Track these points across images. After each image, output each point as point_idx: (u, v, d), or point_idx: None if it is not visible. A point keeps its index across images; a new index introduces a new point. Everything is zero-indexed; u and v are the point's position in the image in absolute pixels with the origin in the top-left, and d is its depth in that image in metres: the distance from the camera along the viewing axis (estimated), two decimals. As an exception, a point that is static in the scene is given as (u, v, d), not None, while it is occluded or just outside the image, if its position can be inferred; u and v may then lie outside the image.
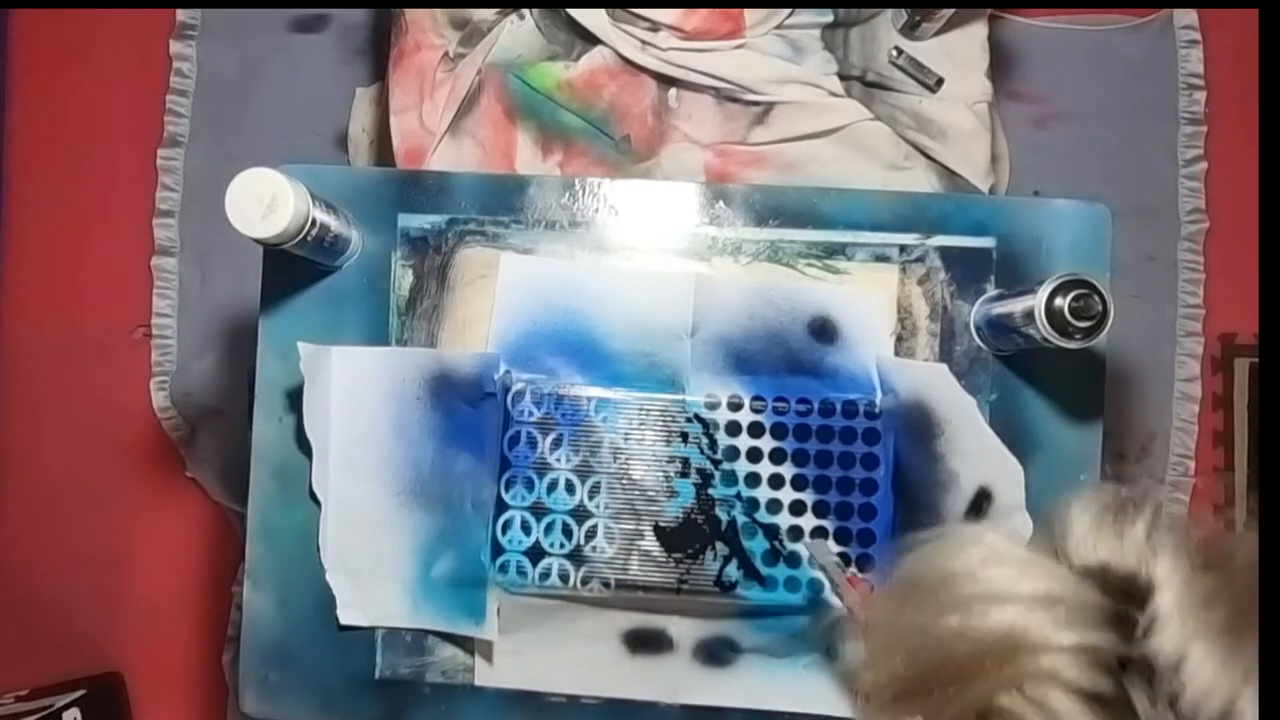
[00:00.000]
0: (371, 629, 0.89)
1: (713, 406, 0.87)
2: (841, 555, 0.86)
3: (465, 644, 0.90)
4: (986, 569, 0.39)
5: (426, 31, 1.11)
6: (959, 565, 0.40)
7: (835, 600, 0.82)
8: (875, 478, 0.87)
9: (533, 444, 0.88)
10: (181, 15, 1.67)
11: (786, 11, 1.08)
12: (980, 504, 0.84)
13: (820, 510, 0.86)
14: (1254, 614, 0.35)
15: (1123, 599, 0.37)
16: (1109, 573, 0.38)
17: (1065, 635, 0.36)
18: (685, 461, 0.87)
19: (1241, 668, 0.34)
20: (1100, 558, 0.38)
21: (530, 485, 0.88)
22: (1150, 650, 0.35)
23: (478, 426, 0.88)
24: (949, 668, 0.38)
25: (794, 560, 0.86)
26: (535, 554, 0.87)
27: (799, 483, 0.87)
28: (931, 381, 0.84)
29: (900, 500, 0.87)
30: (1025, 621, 0.36)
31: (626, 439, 0.87)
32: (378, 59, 1.58)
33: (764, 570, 0.86)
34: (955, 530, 0.43)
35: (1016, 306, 0.79)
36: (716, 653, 0.89)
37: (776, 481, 0.87)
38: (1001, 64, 1.39)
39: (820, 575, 0.84)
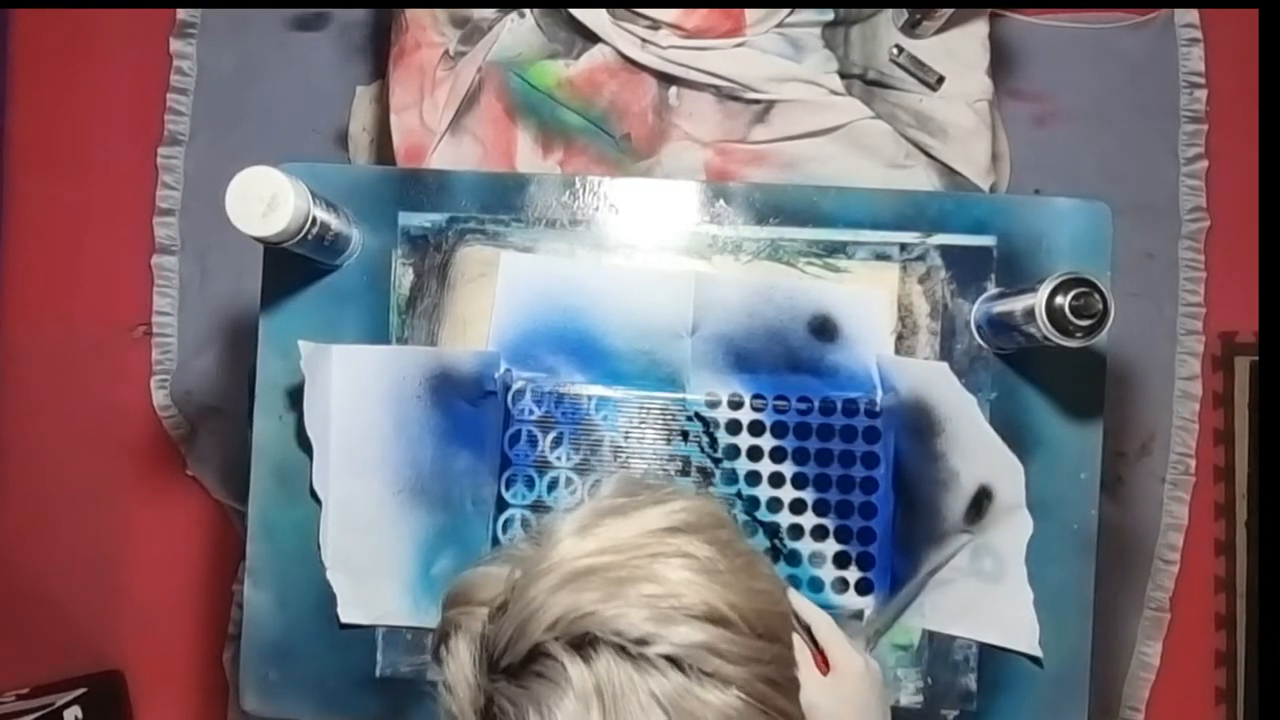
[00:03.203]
0: (372, 627, 0.89)
1: (713, 405, 0.87)
2: (840, 554, 0.86)
3: (466, 642, 0.90)
4: (525, 540, 0.53)
5: (427, 30, 1.11)
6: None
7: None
8: (875, 476, 0.87)
9: (533, 442, 0.88)
10: (181, 14, 1.67)
11: (787, 10, 1.08)
12: (980, 502, 0.84)
13: (820, 509, 0.86)
14: (573, 574, 0.47)
15: None
16: None
17: (485, 593, 0.51)
18: (686, 460, 0.87)
19: (528, 612, 0.46)
20: None
21: (531, 483, 0.88)
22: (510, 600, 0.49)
23: (478, 425, 0.88)
24: (443, 600, 0.55)
25: (794, 559, 0.86)
26: (536, 552, 0.87)
27: (799, 481, 0.87)
28: (932, 380, 0.84)
29: (900, 498, 0.87)
30: (475, 579, 0.52)
31: (627, 437, 0.87)
32: (378, 57, 1.58)
33: (764, 568, 0.86)
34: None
35: (1017, 305, 0.79)
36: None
37: (777, 480, 0.87)
38: (1002, 62, 1.39)
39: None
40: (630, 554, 0.48)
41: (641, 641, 0.45)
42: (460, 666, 0.50)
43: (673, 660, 0.45)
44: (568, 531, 0.50)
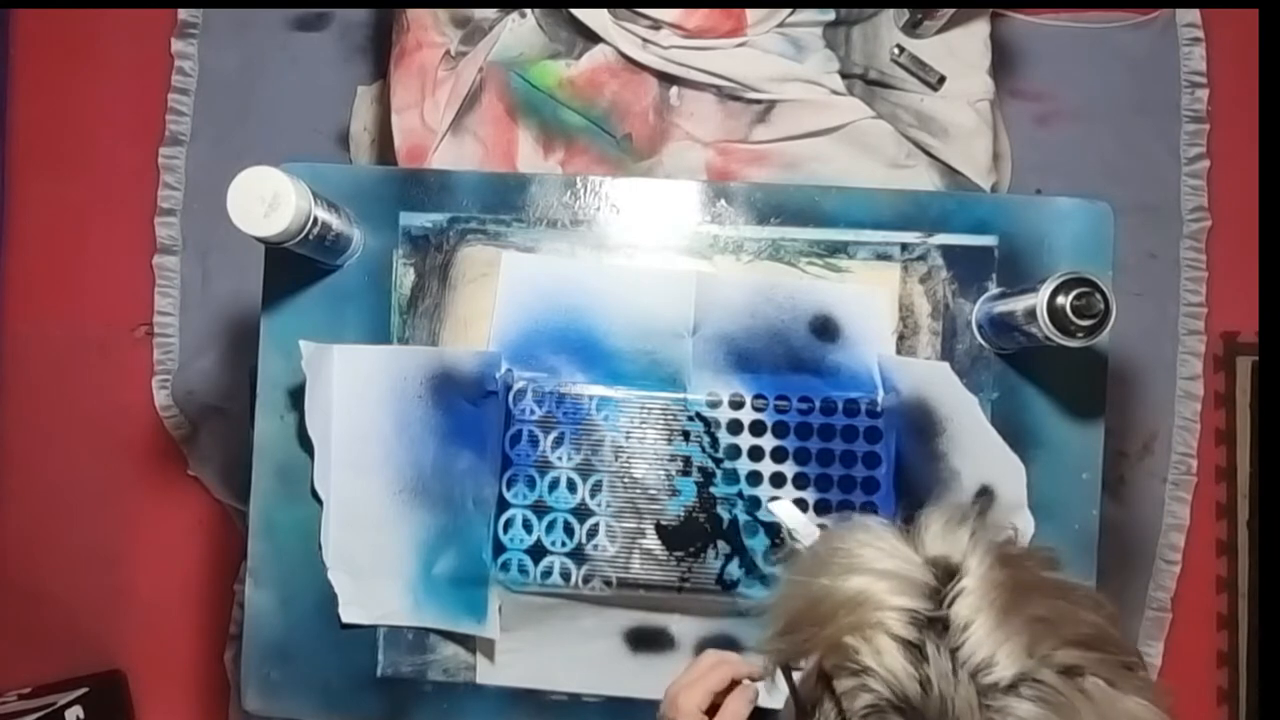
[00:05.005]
0: (373, 627, 0.89)
1: (714, 405, 0.87)
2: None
3: (467, 642, 0.90)
4: (860, 547, 0.53)
5: (428, 30, 1.11)
6: (842, 542, 0.54)
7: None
8: (877, 476, 0.86)
9: (534, 442, 0.88)
10: (183, 14, 1.67)
11: (788, 10, 1.08)
12: (982, 502, 0.83)
13: (822, 509, 0.86)
14: (1025, 602, 0.49)
15: (944, 578, 0.50)
16: (939, 560, 0.51)
17: (896, 599, 0.49)
18: (687, 460, 0.87)
19: (1004, 635, 0.48)
20: (937, 549, 0.52)
21: (532, 483, 0.88)
22: (951, 614, 0.49)
23: (479, 425, 0.88)
24: (815, 614, 0.52)
25: (795, 558, 0.86)
26: (537, 552, 0.87)
27: (801, 481, 0.87)
28: (933, 380, 0.84)
29: (902, 499, 0.86)
30: (872, 587, 0.50)
31: (628, 437, 0.87)
32: (379, 57, 1.57)
33: (766, 569, 0.86)
34: (855, 518, 0.56)
35: (1018, 305, 0.79)
36: (718, 651, 0.89)
37: (778, 480, 0.87)
38: (1004, 62, 1.38)
39: (789, 537, 0.81)
40: (1060, 594, 0.52)
41: (1112, 683, 0.49)
42: (943, 670, 0.49)
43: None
44: (983, 557, 0.51)
